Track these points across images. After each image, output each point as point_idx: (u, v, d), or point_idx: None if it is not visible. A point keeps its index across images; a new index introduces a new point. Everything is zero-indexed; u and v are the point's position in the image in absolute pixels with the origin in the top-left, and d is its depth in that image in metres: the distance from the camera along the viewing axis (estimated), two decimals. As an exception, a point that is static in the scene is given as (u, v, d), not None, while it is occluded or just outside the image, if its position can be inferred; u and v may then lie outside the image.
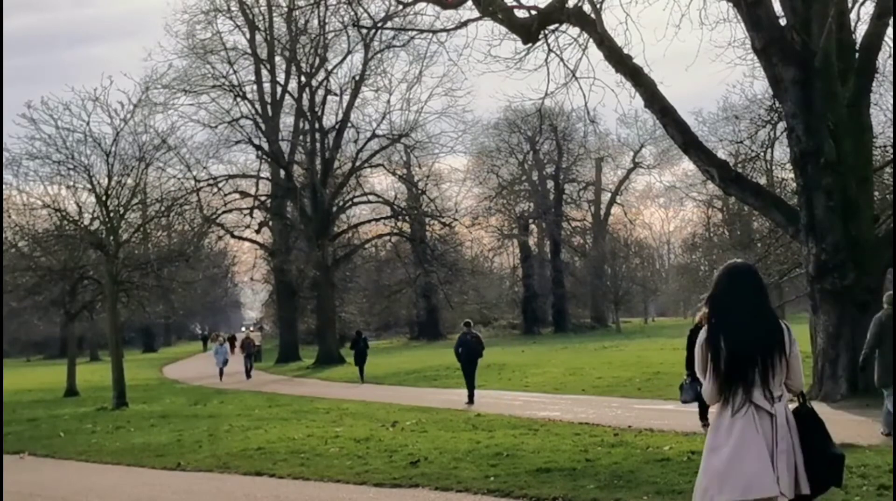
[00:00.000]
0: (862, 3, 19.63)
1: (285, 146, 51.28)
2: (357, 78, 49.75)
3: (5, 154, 26.95)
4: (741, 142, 30.33)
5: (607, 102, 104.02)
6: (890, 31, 18.82)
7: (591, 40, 18.81)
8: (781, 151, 28.05)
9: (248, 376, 36.65)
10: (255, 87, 50.90)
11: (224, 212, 47.69)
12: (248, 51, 50.63)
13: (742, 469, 4.80)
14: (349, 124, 50.52)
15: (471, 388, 21.11)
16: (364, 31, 37.42)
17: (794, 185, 18.79)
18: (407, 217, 55.21)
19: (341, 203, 52.68)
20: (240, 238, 51.95)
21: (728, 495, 4.82)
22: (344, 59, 50.79)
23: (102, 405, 25.07)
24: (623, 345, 45.67)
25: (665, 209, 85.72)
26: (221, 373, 36.72)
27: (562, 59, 19.74)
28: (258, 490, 10.63)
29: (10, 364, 58.56)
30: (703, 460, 5.05)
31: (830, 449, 5.02)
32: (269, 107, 51.03)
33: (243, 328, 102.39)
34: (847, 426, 13.57)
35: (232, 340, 53.54)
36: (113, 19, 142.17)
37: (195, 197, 37.41)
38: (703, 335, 5.17)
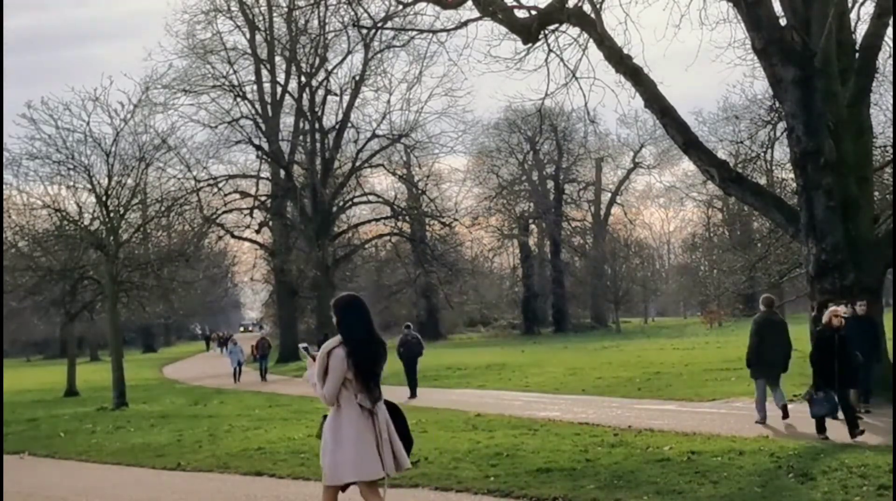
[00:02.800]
0: (862, 3, 19.66)
1: (285, 146, 51.31)
2: (357, 78, 49.81)
3: (5, 154, 26.98)
4: (741, 142, 30.32)
5: (607, 102, 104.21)
6: (890, 31, 18.83)
7: (591, 40, 18.78)
8: (781, 151, 28.03)
9: (263, 378, 35.96)
10: (255, 87, 50.95)
11: (224, 212, 47.73)
12: (248, 51, 50.67)
13: (361, 457, 6.35)
14: (349, 124, 50.60)
15: (413, 384, 23.23)
16: (364, 31, 37.41)
17: (794, 185, 18.77)
18: (407, 217, 55.22)
19: (341, 203, 52.72)
20: (240, 238, 51.97)
21: (352, 477, 6.40)
22: (344, 59, 50.94)
23: (102, 405, 25.07)
24: (623, 345, 45.67)
25: (665, 209, 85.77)
26: (237, 374, 35.34)
27: (562, 60, 19.73)
28: (258, 490, 10.62)
29: (10, 364, 58.58)
30: (330, 447, 6.44)
31: (410, 435, 6.72)
32: (269, 107, 51.05)
33: (241, 328, 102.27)
34: (846, 426, 13.57)
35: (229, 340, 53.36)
36: (113, 19, 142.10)
37: (195, 197, 37.40)
38: (327, 347, 6.47)
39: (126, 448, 15.41)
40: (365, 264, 64.12)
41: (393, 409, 6.65)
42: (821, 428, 12.45)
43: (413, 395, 22.96)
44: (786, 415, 14.25)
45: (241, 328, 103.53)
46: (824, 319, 13.11)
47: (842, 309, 14.64)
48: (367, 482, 6.47)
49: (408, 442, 6.69)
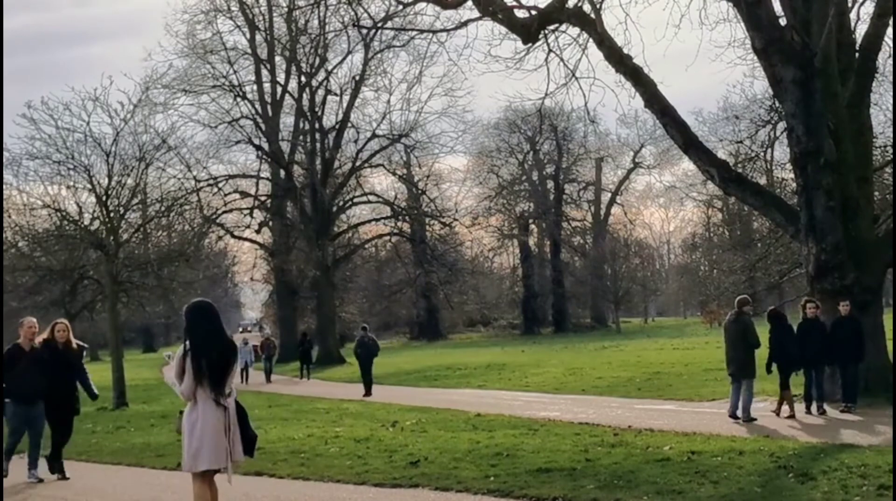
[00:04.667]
0: (862, 3, 19.67)
1: (285, 146, 51.32)
2: (357, 78, 49.81)
3: (5, 154, 26.96)
4: (741, 142, 30.37)
5: (607, 102, 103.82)
6: (890, 31, 18.84)
7: (591, 40, 18.79)
8: (781, 151, 28.11)
9: (268, 379, 35.43)
10: (255, 87, 50.96)
11: (224, 212, 47.72)
12: (248, 51, 50.69)
13: (210, 447, 7.21)
14: (349, 124, 50.59)
15: (368, 382, 24.59)
16: (364, 31, 37.38)
17: (794, 185, 18.78)
18: (407, 217, 55.24)
19: (341, 203, 52.72)
20: (240, 238, 51.98)
21: (207, 465, 7.26)
22: (344, 59, 50.92)
23: (102, 405, 25.00)
24: (623, 345, 45.67)
25: (665, 209, 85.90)
26: (245, 375, 34.55)
27: (562, 60, 19.72)
28: (258, 490, 10.62)
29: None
30: (186, 438, 7.31)
31: (251, 431, 7.55)
32: (269, 107, 51.07)
33: (240, 329, 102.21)
34: (846, 425, 13.59)
35: None
36: (113, 19, 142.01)
37: (195, 197, 37.36)
38: (181, 350, 7.32)
39: (126, 447, 15.40)
40: (365, 264, 64.13)
41: (240, 407, 7.51)
42: None
43: (368, 393, 23.96)
44: (748, 419, 14.35)
45: (241, 329, 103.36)
46: None
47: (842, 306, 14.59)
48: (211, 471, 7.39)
49: (251, 439, 7.55)
